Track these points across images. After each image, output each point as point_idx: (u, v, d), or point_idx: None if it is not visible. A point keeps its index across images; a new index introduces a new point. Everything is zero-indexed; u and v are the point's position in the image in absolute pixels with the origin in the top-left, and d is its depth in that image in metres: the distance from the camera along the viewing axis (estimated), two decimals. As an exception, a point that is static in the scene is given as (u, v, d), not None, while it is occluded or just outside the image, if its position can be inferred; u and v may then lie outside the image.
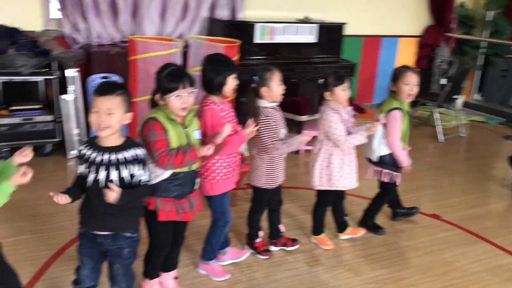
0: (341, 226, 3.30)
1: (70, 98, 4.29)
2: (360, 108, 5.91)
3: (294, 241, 3.15)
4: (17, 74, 4.04)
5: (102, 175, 2.01)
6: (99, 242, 2.13)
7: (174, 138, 2.25)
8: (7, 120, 4.14)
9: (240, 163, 2.78)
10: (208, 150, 2.29)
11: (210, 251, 2.80)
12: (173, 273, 2.64)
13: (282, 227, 3.15)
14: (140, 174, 2.07)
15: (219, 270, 2.81)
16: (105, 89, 1.99)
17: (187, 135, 2.31)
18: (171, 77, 2.23)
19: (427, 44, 6.76)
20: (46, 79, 4.36)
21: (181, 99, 2.22)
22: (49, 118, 4.30)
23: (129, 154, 2.04)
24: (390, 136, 3.11)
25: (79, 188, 2.10)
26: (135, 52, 4.10)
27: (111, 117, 1.97)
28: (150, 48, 4.08)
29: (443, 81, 6.49)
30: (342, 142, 2.89)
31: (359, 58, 6.38)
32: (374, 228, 3.43)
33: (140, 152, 2.08)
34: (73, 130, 4.35)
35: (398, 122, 3.11)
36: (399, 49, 6.72)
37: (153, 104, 2.33)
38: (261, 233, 3.08)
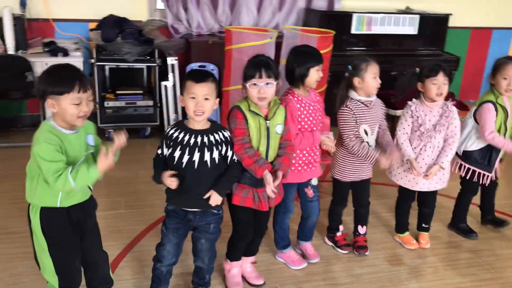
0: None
1: (170, 84, 4.53)
2: (463, 105, 5.54)
3: (362, 248, 2.96)
4: (123, 61, 4.36)
5: (196, 156, 2.14)
6: (188, 218, 2.26)
7: (254, 129, 2.29)
8: (113, 103, 4.49)
9: (323, 156, 2.75)
10: (270, 183, 2.27)
11: (278, 239, 2.82)
12: (251, 258, 2.71)
13: (361, 229, 3.00)
14: (231, 154, 2.23)
15: (295, 259, 2.83)
16: (202, 77, 2.12)
17: (268, 127, 2.33)
18: (251, 65, 2.29)
19: (546, 37, 6.14)
20: (148, 66, 4.65)
21: (257, 88, 2.26)
22: (150, 103, 4.59)
23: (218, 136, 2.19)
24: (482, 129, 2.90)
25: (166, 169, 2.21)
26: (231, 42, 4.22)
27: (207, 102, 2.11)
28: (245, 38, 4.16)
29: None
30: (398, 142, 2.82)
31: (466, 52, 5.97)
32: (465, 232, 3.22)
33: (226, 134, 2.23)
34: (171, 114, 4.60)
35: (489, 113, 2.88)
36: (513, 43, 6.18)
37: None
38: (341, 227, 3.03)
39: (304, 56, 2.53)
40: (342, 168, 2.81)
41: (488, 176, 3.05)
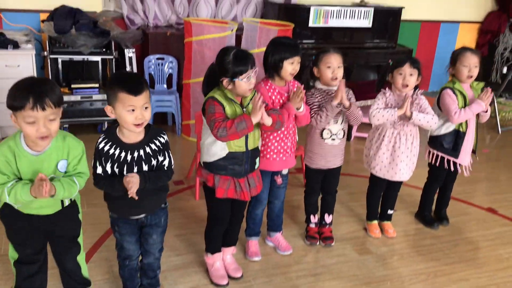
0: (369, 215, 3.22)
1: (127, 78, 4.39)
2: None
3: (328, 239, 3.01)
4: (78, 53, 4.18)
5: (135, 170, 2.04)
6: (141, 221, 2.21)
7: (230, 117, 2.26)
8: (68, 97, 4.30)
9: (293, 147, 2.76)
10: (258, 112, 2.20)
11: (247, 227, 2.83)
12: (231, 249, 2.69)
13: (328, 218, 3.04)
14: (163, 160, 2.11)
15: (253, 250, 2.84)
16: (138, 87, 1.93)
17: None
18: (239, 60, 2.22)
19: (488, 31, 6.45)
20: (104, 58, 4.49)
21: (250, 80, 2.24)
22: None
23: (155, 145, 2.07)
24: (449, 113, 2.95)
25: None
26: (191, 34, 4.15)
27: (147, 111, 1.98)
28: (205, 30, 4.12)
29: (505, 69, 6.19)
30: (371, 116, 2.84)
31: (416, 44, 6.18)
32: (427, 221, 3.33)
33: (163, 138, 2.11)
34: (129, 109, 4.46)
35: (450, 97, 2.95)
36: (459, 36, 6.44)
37: (209, 86, 2.35)
38: (313, 218, 3.04)
39: (278, 48, 2.52)
40: (310, 154, 2.85)
41: (456, 163, 3.13)
